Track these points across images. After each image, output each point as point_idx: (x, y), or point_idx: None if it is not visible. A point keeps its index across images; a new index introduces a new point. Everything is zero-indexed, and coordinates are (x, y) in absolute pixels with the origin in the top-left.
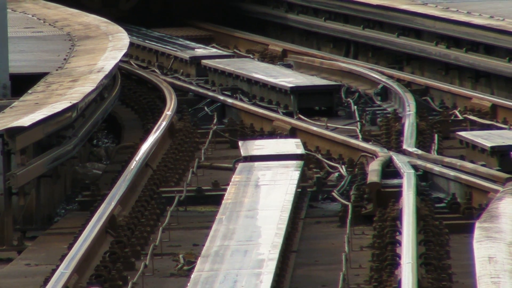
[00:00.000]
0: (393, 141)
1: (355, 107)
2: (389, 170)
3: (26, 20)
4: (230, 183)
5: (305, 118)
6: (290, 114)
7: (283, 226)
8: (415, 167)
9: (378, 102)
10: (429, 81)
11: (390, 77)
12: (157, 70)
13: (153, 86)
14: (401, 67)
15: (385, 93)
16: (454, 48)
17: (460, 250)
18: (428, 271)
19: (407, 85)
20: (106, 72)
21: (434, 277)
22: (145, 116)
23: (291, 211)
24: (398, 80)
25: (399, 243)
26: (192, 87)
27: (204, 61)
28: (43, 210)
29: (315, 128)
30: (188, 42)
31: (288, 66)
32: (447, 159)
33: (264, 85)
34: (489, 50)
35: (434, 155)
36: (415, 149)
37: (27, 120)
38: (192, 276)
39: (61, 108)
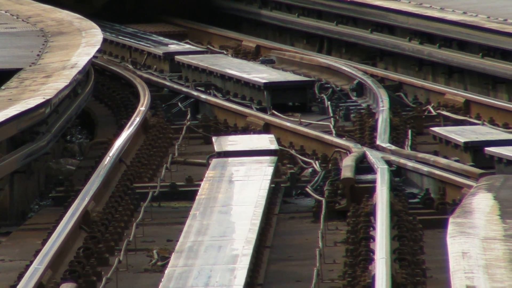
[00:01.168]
0: (366, 137)
1: (329, 103)
2: (363, 166)
3: None
4: (204, 179)
5: (279, 114)
6: (263, 110)
7: (257, 222)
8: (388, 163)
9: (354, 98)
10: (402, 77)
11: (364, 73)
12: (130, 66)
13: (127, 82)
14: (375, 63)
15: (361, 89)
16: (428, 44)
17: (434, 245)
18: (402, 266)
19: (381, 81)
20: (80, 68)
21: (408, 272)
22: (119, 112)
23: (265, 207)
24: (372, 76)
25: (373, 238)
26: (167, 83)
27: (178, 57)
28: (17, 206)
29: (288, 124)
30: (161, 38)
31: (271, 61)
32: (420, 155)
33: (238, 81)
34: (463, 46)
35: (407, 150)
36: (389, 144)
37: (0, 116)
38: (166, 271)
39: (35, 104)
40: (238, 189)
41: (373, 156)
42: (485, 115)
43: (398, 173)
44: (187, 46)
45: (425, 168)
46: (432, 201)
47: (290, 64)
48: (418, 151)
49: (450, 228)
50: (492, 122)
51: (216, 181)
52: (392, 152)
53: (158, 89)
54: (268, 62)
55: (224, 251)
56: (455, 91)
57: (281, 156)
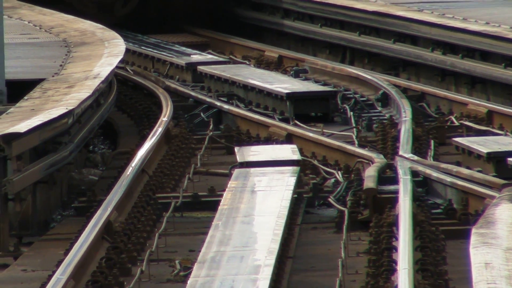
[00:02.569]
0: (389, 147)
1: (351, 113)
2: (385, 176)
3: (22, 26)
4: (226, 189)
5: (301, 124)
6: (286, 120)
7: (280, 232)
8: (416, 173)
9: (379, 108)
10: (425, 87)
11: (389, 83)
12: (160, 78)
13: (149, 92)
14: (397, 73)
15: (386, 99)
16: (450, 54)
17: (456, 256)
18: (424, 277)
19: (403, 91)
20: (102, 78)
21: (431, 283)
22: (141, 122)
23: (287, 217)
24: (394, 86)
25: (396, 249)
26: (193, 93)
27: (200, 67)
28: (39, 216)
29: (311, 134)
30: (184, 48)
31: (304, 71)
32: (443, 165)
33: (260, 91)
34: (485, 56)
35: (430, 161)
36: (411, 155)
37: (23, 126)
38: (189, 282)
39: (57, 114)
40: (260, 199)
41: (401, 166)
42: (508, 125)
43: (424, 184)
44: (210, 56)
45: (448, 179)
46: (454, 211)
47: (322, 74)
48: (441, 161)
49: (473, 238)
50: None
51: (238, 191)
52: (414, 163)
53: (184, 99)
54: (302, 72)
55: (247, 261)
56: (478, 102)
57: (303, 167)
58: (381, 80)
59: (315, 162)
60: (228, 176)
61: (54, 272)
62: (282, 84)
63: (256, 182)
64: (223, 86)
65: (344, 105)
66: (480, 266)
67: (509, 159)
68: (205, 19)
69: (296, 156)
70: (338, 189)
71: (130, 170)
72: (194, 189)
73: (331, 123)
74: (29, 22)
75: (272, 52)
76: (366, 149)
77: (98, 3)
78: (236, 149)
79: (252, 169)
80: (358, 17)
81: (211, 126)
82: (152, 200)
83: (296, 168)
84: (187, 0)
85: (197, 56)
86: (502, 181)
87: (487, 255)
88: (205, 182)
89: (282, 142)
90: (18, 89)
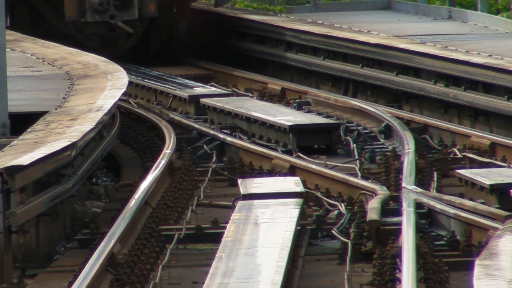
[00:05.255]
0: (392, 179)
1: (354, 145)
2: (389, 208)
3: (25, 59)
4: (230, 221)
5: (304, 156)
6: (289, 152)
7: (283, 264)
8: (420, 205)
9: (382, 140)
10: (428, 119)
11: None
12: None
13: (152, 124)
14: (400, 105)
15: (389, 131)
16: (453, 86)
17: (460, 287)
18: None
19: (406, 123)
20: (105, 111)
21: None
22: (144, 154)
23: (290, 249)
24: (398, 119)
25: (399, 280)
26: (196, 126)
27: (203, 100)
28: (43, 248)
29: (314, 166)
30: (187, 80)
31: (307, 103)
32: (446, 197)
33: (263, 123)
34: (488, 88)
35: (433, 193)
36: (414, 187)
37: (26, 159)
38: None
39: (60, 147)
40: (263, 231)
41: (406, 198)
42: (511, 157)
43: (428, 215)
44: (213, 88)
45: (451, 210)
46: (458, 243)
47: (325, 106)
48: (444, 193)
49: (476, 270)
50: None
51: (241, 224)
52: (418, 195)
53: (187, 131)
54: (305, 104)
55: None
56: (481, 134)
57: (306, 199)
58: (384, 112)
59: (318, 194)
60: (231, 208)
61: None
62: (285, 116)
63: (260, 214)
64: (226, 119)
65: (347, 137)
66: None
67: None
68: (208, 52)
69: (299, 188)
70: (341, 221)
71: (133, 202)
72: (197, 221)
73: (334, 155)
74: (32, 55)
75: (275, 84)
76: (369, 181)
77: (102, 36)
78: (239, 181)
79: (256, 201)
80: (361, 50)
81: (214, 158)
82: (156, 232)
83: (299, 200)
84: (190, 33)
85: (200, 89)
86: (505, 213)
87: (491, 287)
88: (208, 214)
89: (285, 174)
90: (21, 122)
